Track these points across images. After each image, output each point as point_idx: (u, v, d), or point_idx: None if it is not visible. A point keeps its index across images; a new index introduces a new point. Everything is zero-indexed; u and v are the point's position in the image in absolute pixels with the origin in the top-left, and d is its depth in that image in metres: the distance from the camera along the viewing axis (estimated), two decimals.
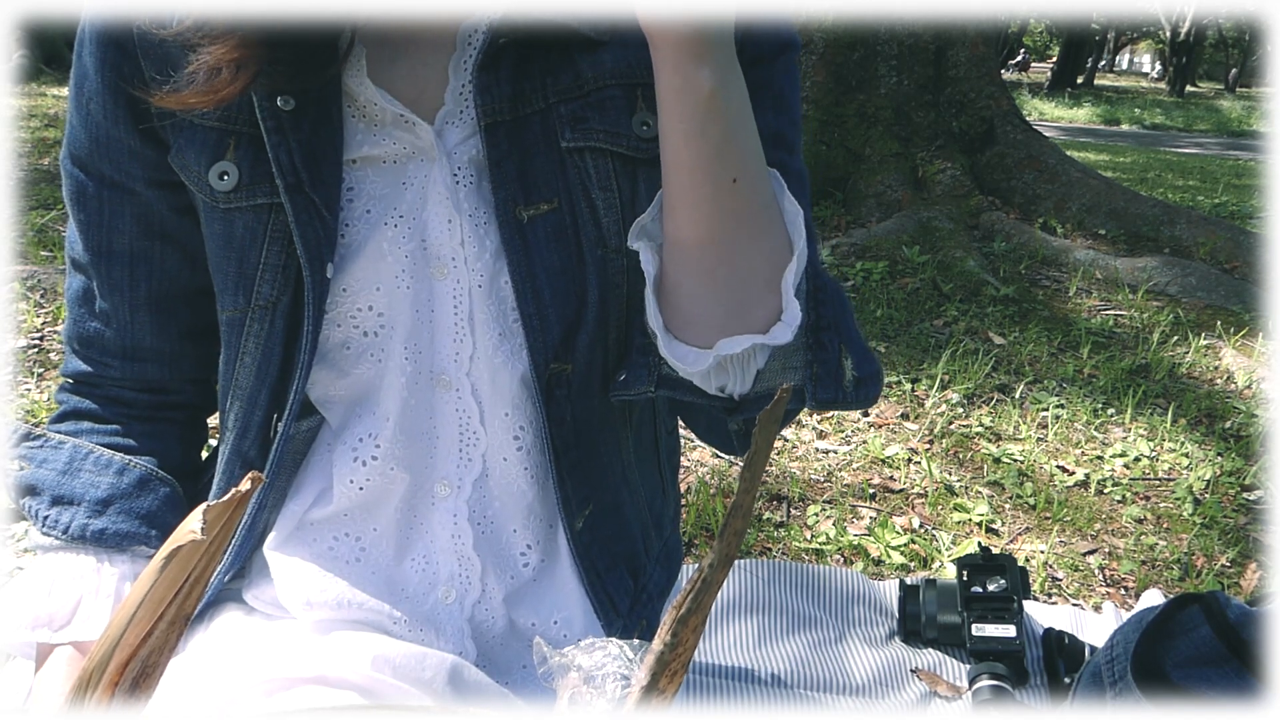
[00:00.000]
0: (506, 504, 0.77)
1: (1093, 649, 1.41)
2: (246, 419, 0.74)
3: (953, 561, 1.82)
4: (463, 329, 0.71)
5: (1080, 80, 26.28)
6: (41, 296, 3.01)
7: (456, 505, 0.76)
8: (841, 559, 1.90)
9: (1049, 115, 17.00)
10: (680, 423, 0.89)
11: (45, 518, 0.74)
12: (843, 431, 2.49)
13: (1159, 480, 2.33)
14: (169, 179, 0.71)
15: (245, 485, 0.36)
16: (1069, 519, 2.11)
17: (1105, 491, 2.26)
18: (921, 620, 1.53)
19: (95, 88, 0.69)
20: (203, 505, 0.36)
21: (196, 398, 0.83)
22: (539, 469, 0.76)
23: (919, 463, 2.33)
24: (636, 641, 0.39)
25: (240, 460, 0.76)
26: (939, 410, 2.64)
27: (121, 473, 0.77)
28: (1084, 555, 1.97)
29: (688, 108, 0.61)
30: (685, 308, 0.68)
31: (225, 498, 0.36)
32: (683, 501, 2.05)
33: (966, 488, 2.23)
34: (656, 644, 0.35)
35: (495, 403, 0.74)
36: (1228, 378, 3.05)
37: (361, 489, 0.74)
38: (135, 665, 0.41)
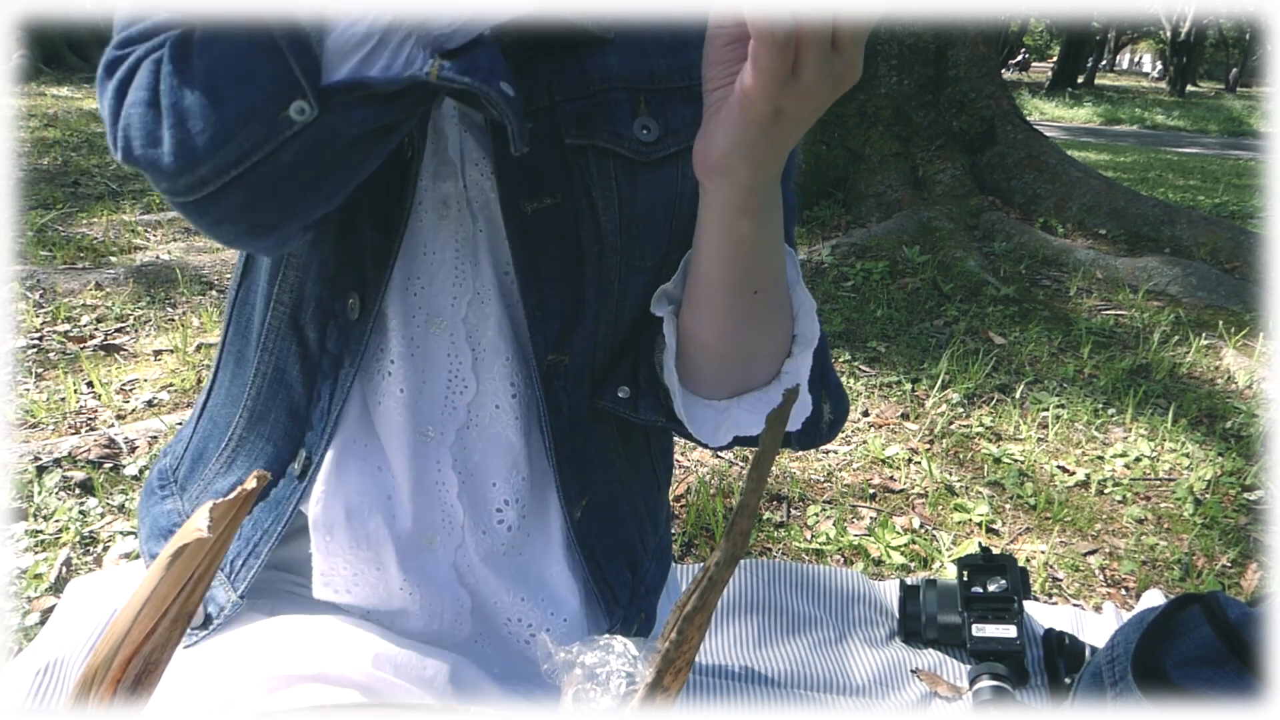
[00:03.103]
0: (489, 456, 0.77)
1: (1093, 649, 1.41)
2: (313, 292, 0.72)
3: (953, 561, 1.82)
4: (464, 272, 0.72)
5: (1080, 80, 26.28)
6: (41, 296, 3.01)
7: (440, 452, 0.76)
8: (841, 559, 1.90)
9: (1049, 115, 17.01)
10: None
11: None
12: (843, 431, 2.49)
13: (1159, 480, 2.33)
14: None
15: (251, 484, 0.36)
16: (1069, 519, 2.11)
17: (1105, 491, 2.26)
18: (922, 620, 1.53)
19: None
20: (208, 503, 0.36)
21: None
22: (528, 425, 0.77)
23: (919, 463, 2.33)
24: (640, 639, 0.39)
25: (297, 337, 0.73)
26: (939, 410, 2.64)
27: None
28: (1084, 555, 1.97)
29: (724, 245, 0.65)
30: (695, 371, 0.72)
31: (230, 496, 0.36)
32: (683, 502, 2.05)
33: (966, 488, 2.23)
34: (662, 643, 0.35)
35: (497, 348, 0.74)
36: (1228, 378, 3.05)
37: (380, 403, 0.75)
38: (138, 663, 0.41)
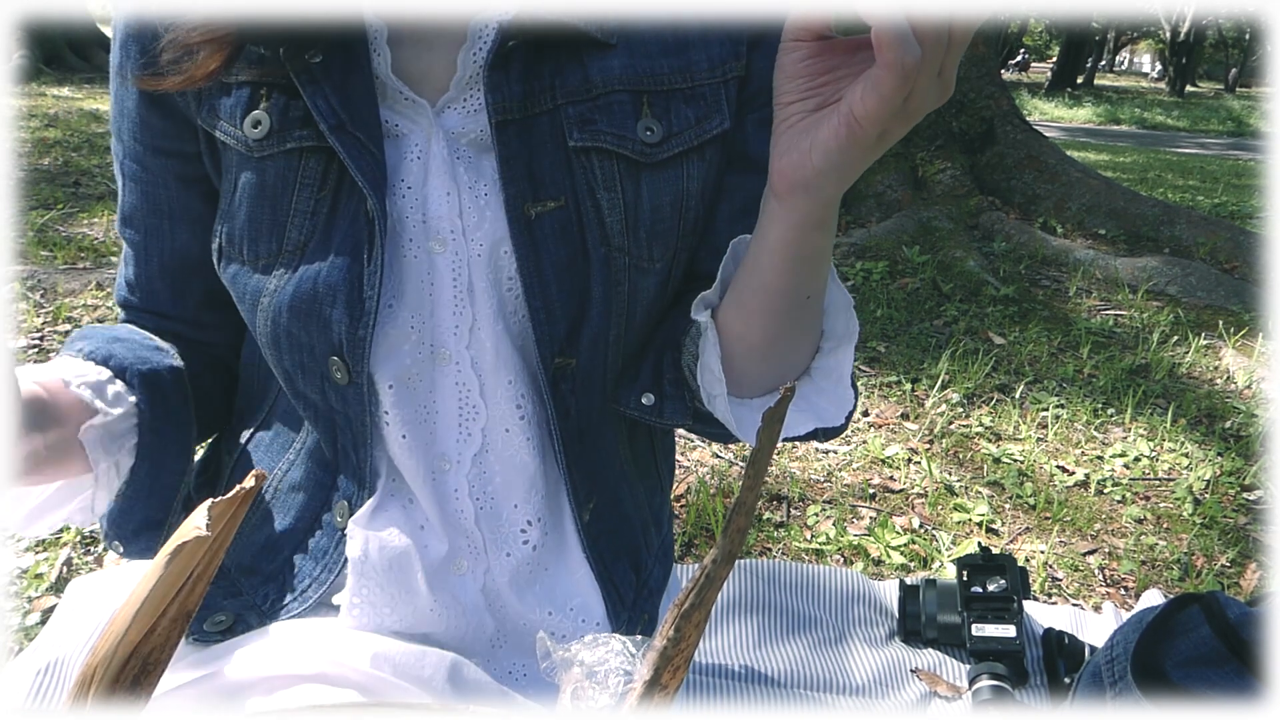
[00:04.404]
0: (508, 479, 0.77)
1: (1093, 649, 1.41)
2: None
3: (953, 561, 1.82)
4: (462, 301, 0.72)
5: (1080, 80, 26.28)
6: (41, 296, 3.01)
7: (457, 481, 0.76)
8: (841, 559, 1.90)
9: (1049, 115, 17.01)
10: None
11: (65, 347, 0.77)
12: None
13: (1159, 480, 2.33)
14: (176, 148, 0.74)
15: (249, 483, 0.36)
16: (1069, 519, 2.11)
17: (1105, 491, 2.26)
18: (921, 620, 1.53)
19: (118, 64, 0.73)
20: (208, 501, 0.36)
21: (226, 355, 0.86)
22: (540, 441, 0.77)
23: (919, 463, 2.33)
24: (639, 638, 0.39)
25: (303, 402, 0.76)
26: (939, 410, 2.64)
27: (146, 339, 0.79)
28: (1084, 555, 1.97)
29: (791, 256, 0.65)
30: (733, 372, 0.72)
31: (229, 495, 0.36)
32: (683, 501, 2.05)
33: (966, 488, 2.23)
34: (659, 640, 0.35)
35: (497, 372, 0.74)
36: (1228, 378, 3.05)
37: (389, 449, 0.76)
38: (136, 663, 0.41)
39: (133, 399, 0.73)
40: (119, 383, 0.73)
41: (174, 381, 0.77)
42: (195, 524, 0.36)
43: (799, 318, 0.70)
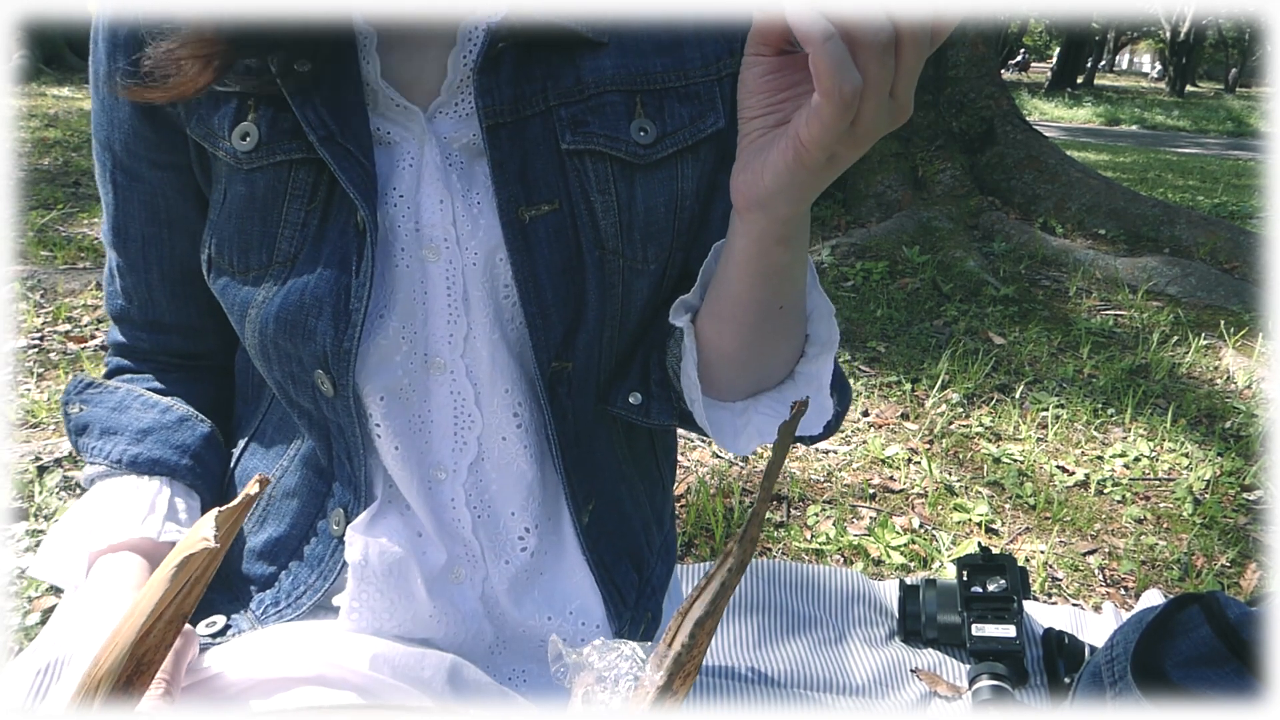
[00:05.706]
0: (505, 486, 0.77)
1: (1093, 649, 1.41)
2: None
3: (953, 561, 1.82)
4: (457, 309, 0.72)
5: (1080, 80, 26.29)
6: (41, 296, 3.01)
7: (453, 490, 0.76)
8: (841, 559, 1.90)
9: (1049, 115, 17.01)
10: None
11: (92, 449, 0.80)
12: (843, 431, 2.49)
13: (1159, 480, 2.33)
14: (171, 160, 0.74)
15: (253, 489, 0.36)
16: (1069, 519, 2.11)
17: (1105, 491, 2.26)
18: (921, 620, 1.53)
19: (104, 73, 0.72)
20: (213, 512, 0.36)
21: (227, 360, 0.87)
22: (538, 448, 0.77)
23: (919, 463, 2.33)
24: (650, 644, 0.39)
25: (297, 410, 0.77)
26: (939, 410, 2.64)
27: (164, 411, 0.81)
28: (1084, 555, 1.97)
29: (756, 269, 0.65)
30: (712, 376, 0.72)
31: (233, 503, 0.36)
32: (682, 501, 2.05)
33: (966, 488, 2.23)
34: (676, 646, 0.35)
35: (494, 380, 0.74)
36: (1228, 378, 3.05)
37: (383, 460, 0.75)
38: (131, 663, 0.41)
39: (196, 501, 0.80)
40: (179, 495, 0.79)
41: (211, 451, 0.82)
42: (202, 534, 0.36)
43: (775, 327, 0.69)
